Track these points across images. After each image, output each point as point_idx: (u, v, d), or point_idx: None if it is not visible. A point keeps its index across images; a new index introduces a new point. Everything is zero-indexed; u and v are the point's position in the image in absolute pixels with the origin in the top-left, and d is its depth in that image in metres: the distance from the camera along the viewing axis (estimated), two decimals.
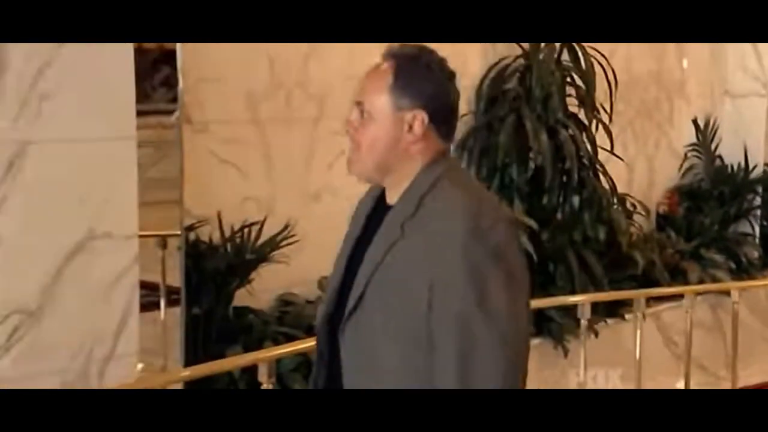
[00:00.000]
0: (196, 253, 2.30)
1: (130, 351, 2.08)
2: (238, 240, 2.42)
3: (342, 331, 1.21)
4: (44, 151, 1.92)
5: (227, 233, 2.42)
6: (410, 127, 1.24)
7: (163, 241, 2.22)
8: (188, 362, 2.23)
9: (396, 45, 1.29)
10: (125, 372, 2.05)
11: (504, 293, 1.15)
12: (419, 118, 1.24)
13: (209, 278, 2.33)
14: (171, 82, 2.22)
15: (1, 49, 1.85)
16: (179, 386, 2.07)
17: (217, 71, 2.53)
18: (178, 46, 2.20)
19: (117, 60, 1.99)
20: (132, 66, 2.01)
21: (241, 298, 2.50)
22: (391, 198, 1.25)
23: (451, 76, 1.30)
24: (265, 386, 1.92)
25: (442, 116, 1.27)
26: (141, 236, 2.06)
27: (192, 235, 2.34)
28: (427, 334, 1.13)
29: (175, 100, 2.24)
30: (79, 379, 2.00)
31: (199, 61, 2.35)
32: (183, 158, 2.21)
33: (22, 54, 1.86)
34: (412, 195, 1.21)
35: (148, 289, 2.20)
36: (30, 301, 1.92)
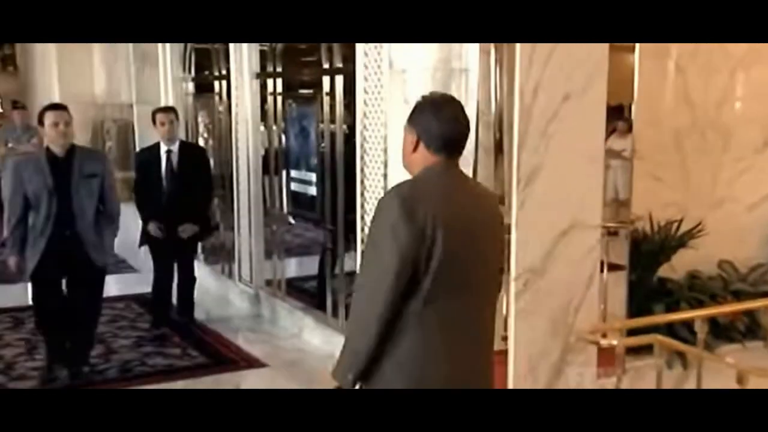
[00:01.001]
0: (635, 240, 3.19)
1: (593, 302, 2.89)
2: (663, 232, 3.26)
3: None
4: (549, 170, 2.74)
5: (656, 228, 3.30)
6: (414, 147, 1.90)
7: (614, 231, 3.12)
8: (629, 314, 3.07)
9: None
10: (589, 315, 2.87)
11: (383, 239, 1.77)
12: (412, 138, 1.89)
13: (643, 257, 3.19)
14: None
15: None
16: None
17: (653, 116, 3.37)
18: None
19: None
20: None
21: (663, 271, 3.34)
22: None
23: (455, 118, 1.89)
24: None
25: (432, 141, 1.87)
26: (603, 226, 2.97)
27: (632, 227, 3.24)
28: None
29: None
30: (562, 317, 2.87)
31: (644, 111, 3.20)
32: (632, 176, 3.11)
33: (540, 108, 2.70)
34: None
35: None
36: (536, 264, 2.76)
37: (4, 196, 3.90)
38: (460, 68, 2.93)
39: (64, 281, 3.91)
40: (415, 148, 1.91)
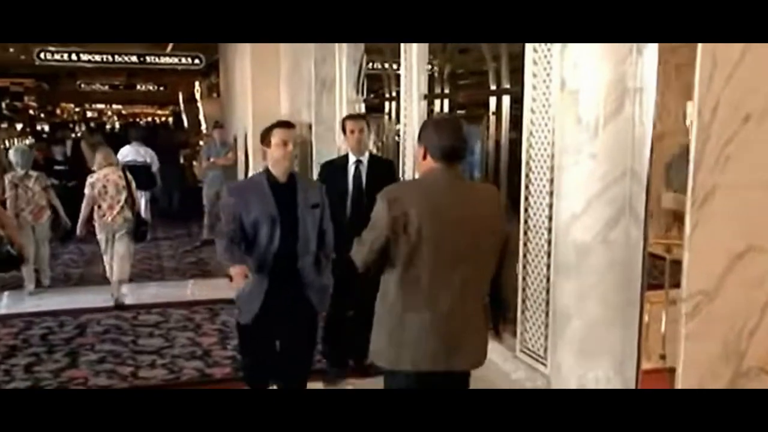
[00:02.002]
0: None
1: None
2: None
3: None
4: (725, 191, 2.60)
5: None
6: (423, 157, 2.41)
7: None
8: None
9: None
10: (764, 343, 2.66)
11: (372, 219, 2.38)
12: (421, 149, 2.42)
13: None
14: None
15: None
16: None
17: None
18: None
19: None
20: None
21: None
22: None
23: (450, 134, 2.39)
24: None
25: (435, 152, 2.39)
26: None
27: None
28: None
29: None
30: (735, 342, 2.71)
31: None
32: None
33: (718, 127, 2.57)
34: None
35: None
36: (709, 286, 2.63)
37: (223, 216, 3.25)
38: (634, 87, 2.86)
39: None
40: (424, 157, 2.43)
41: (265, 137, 3.18)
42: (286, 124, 3.22)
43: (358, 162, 4.12)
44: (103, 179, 5.81)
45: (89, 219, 5.83)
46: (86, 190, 5.81)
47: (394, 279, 2.39)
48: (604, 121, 2.95)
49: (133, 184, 5.97)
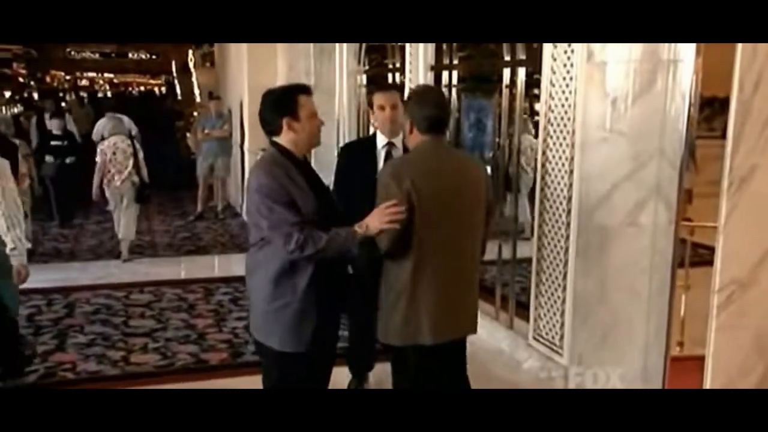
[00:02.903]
0: None
1: None
2: None
3: None
4: (765, 173, 2.46)
5: None
6: (411, 130, 2.47)
7: None
8: None
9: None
10: None
11: (380, 192, 2.41)
12: (408, 123, 2.47)
13: None
14: None
15: None
16: None
17: None
18: None
19: None
20: None
21: None
22: None
23: (433, 104, 2.46)
24: None
25: (420, 124, 2.44)
26: None
27: None
28: None
29: None
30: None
31: None
32: None
33: (760, 103, 2.44)
34: None
35: None
36: (743, 275, 2.50)
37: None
38: (669, 59, 2.65)
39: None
40: (411, 131, 2.50)
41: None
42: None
43: (390, 145, 3.26)
44: (113, 146, 6.48)
45: (101, 183, 6.45)
46: (97, 158, 6.47)
47: (404, 254, 2.42)
48: (634, 97, 2.74)
49: (140, 153, 6.60)
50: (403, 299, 2.44)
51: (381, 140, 3.28)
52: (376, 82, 6.20)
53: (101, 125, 7.82)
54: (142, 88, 28.60)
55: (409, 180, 2.37)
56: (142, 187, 6.55)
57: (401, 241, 2.40)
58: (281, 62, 7.84)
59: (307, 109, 2.55)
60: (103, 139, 6.76)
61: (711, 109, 3.78)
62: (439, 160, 2.47)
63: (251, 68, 7.88)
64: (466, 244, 2.51)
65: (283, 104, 2.57)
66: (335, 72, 6.51)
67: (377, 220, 2.40)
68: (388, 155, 3.24)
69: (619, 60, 2.77)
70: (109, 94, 25.89)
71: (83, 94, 22.86)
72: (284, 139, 2.58)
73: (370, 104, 3.37)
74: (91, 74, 31.42)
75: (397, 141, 3.22)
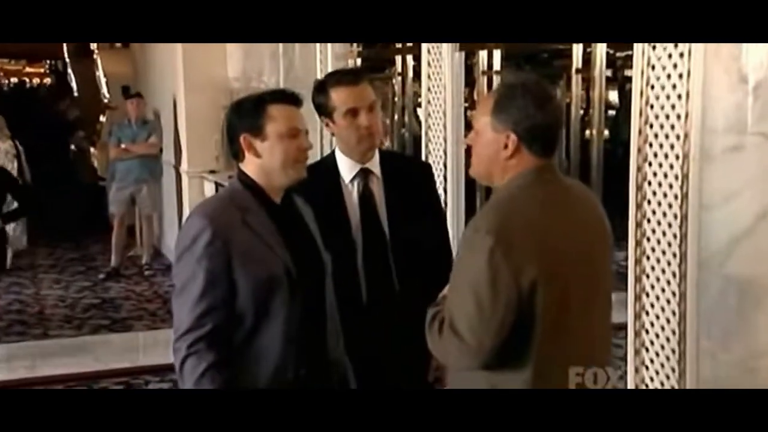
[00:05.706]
0: None
1: None
2: None
3: None
4: None
5: None
6: (505, 146, 2.20)
7: None
8: None
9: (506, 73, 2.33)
10: None
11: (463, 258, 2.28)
12: (511, 139, 2.18)
13: None
14: None
15: None
16: None
17: None
18: None
19: None
20: None
21: None
22: None
23: (545, 100, 2.18)
24: None
25: (532, 137, 2.17)
26: None
27: None
28: None
29: None
30: None
31: None
32: None
33: None
34: None
35: None
36: None
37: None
38: None
39: None
40: (510, 151, 2.21)
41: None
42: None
43: (365, 175, 3.07)
44: None
45: None
46: None
47: (511, 368, 2.25)
48: None
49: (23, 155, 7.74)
50: None
51: (348, 167, 3.03)
52: (376, 70, 6.26)
53: None
54: (14, 80, 28.44)
55: (535, 259, 2.13)
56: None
57: (505, 355, 2.20)
58: (233, 45, 7.90)
59: (281, 125, 2.53)
60: None
61: None
62: (566, 205, 2.31)
63: (188, 51, 7.92)
64: (600, 318, 2.41)
65: (243, 113, 2.58)
66: (314, 56, 6.56)
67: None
68: (365, 194, 3.01)
69: None
70: None
71: None
72: (249, 167, 2.62)
73: (323, 108, 3.05)
74: None
75: (373, 165, 3.04)
